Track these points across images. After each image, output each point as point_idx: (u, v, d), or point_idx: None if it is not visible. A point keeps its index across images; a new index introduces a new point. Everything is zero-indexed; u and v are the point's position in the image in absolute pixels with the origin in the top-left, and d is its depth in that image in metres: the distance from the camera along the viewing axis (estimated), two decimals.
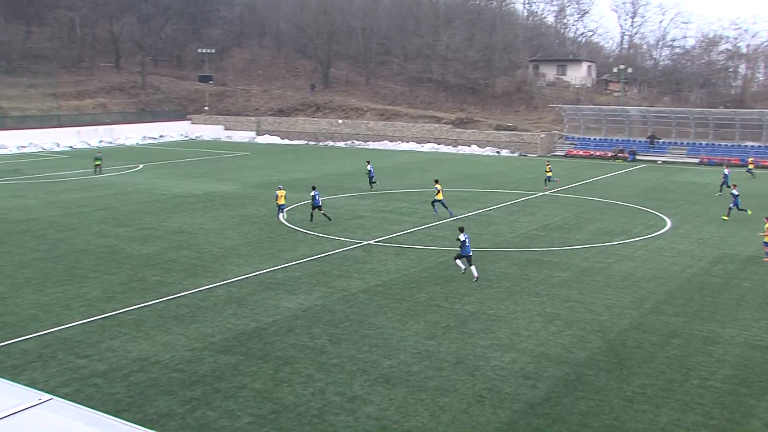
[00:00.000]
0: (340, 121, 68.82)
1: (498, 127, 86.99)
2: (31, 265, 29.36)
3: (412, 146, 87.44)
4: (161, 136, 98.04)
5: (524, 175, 60.84)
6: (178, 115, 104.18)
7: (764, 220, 33.07)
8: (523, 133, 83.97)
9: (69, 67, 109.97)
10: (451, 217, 39.87)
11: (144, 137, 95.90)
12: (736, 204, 41.03)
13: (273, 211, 41.31)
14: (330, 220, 38.46)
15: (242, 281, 27.02)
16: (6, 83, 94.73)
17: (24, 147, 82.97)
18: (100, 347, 19.94)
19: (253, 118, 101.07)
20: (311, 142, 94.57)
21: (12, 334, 21.08)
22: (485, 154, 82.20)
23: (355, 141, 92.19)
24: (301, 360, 19.08)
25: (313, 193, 38.84)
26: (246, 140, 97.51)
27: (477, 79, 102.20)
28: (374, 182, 51.63)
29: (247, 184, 53.35)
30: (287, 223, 38.17)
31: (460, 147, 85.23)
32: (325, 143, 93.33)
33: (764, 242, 31.55)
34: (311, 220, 38.61)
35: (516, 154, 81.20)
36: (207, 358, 19.19)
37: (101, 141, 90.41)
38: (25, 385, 5.34)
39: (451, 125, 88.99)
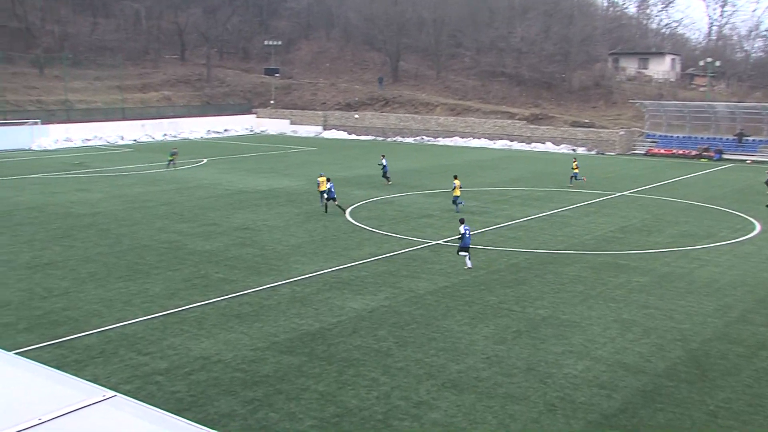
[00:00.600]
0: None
1: (574, 124, 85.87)
2: (95, 260, 30.14)
3: (483, 143, 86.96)
4: (226, 130, 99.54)
5: (602, 175, 59.94)
6: (243, 108, 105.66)
7: None
8: (600, 130, 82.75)
9: (134, 60, 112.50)
10: (457, 212, 40.47)
11: (208, 131, 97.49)
12: None
13: (339, 210, 41.58)
14: (343, 211, 40.71)
15: (306, 280, 27.24)
16: (72, 75, 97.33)
17: (89, 140, 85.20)
18: (162, 344, 20.36)
19: (320, 113, 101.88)
20: (379, 138, 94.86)
21: (75, 329, 21.68)
22: (560, 151, 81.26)
23: (424, 137, 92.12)
24: (365, 362, 19.15)
25: (329, 185, 40.57)
26: (312, 135, 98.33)
27: (553, 73, 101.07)
28: (387, 176, 52.47)
29: (312, 180, 53.74)
30: (354, 221, 38.36)
31: (534, 144, 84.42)
32: (394, 139, 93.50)
33: None
34: (325, 212, 40.54)
35: (593, 152, 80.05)
36: (270, 358, 19.41)
37: (165, 135, 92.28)
38: (88, 380, 5.47)
39: (524, 121, 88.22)
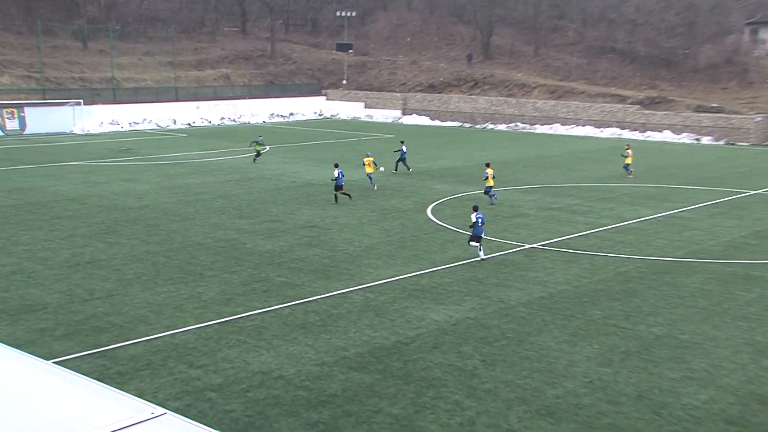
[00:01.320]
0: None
1: (699, 109, 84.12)
2: (142, 259, 30.81)
3: (588, 131, 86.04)
4: (291, 114, 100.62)
5: (731, 169, 58.63)
6: (312, 89, 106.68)
7: None
8: (731, 116, 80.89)
9: (189, 32, 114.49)
10: (492, 205, 41.89)
11: (272, 115, 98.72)
12: None
13: (419, 206, 41.65)
14: (350, 198, 42.60)
15: (381, 286, 27.38)
16: (119, 50, 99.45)
17: (137, 123, 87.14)
18: (216, 357, 20.68)
19: (399, 95, 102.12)
20: (466, 124, 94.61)
21: (119, 336, 22.18)
22: (681, 141, 79.76)
23: (519, 124, 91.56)
24: (447, 383, 19.12)
25: (337, 172, 42.13)
26: (389, 120, 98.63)
27: (674, 48, 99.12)
28: (400, 163, 54.74)
29: (389, 172, 53.90)
30: (436, 220, 38.35)
31: (648, 133, 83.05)
32: (484, 126, 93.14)
33: None
34: (336, 202, 42.14)
35: (721, 143, 78.32)
36: (338, 375, 19.54)
37: (222, 118, 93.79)
38: (133, 395, 5.57)
39: (638, 106, 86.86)
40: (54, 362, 20.28)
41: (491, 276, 28.83)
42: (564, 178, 52.88)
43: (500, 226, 37.31)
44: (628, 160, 53.29)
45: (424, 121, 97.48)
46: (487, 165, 44.55)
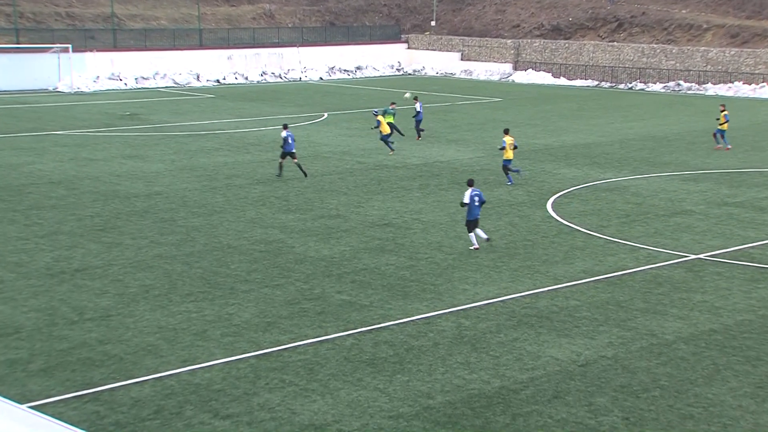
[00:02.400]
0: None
1: None
2: (152, 267, 31.11)
3: None
4: (359, 69, 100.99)
5: None
6: (388, 34, 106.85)
7: None
8: None
9: None
10: (509, 183, 44.66)
11: (332, 69, 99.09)
12: None
13: (536, 199, 41.47)
14: (305, 176, 43.94)
15: (481, 309, 27.23)
16: None
17: (146, 79, 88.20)
18: (252, 403, 20.72)
19: (509, 42, 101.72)
20: (605, 84, 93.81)
21: (119, 372, 22.38)
22: None
23: (682, 82, 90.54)
24: None
25: (284, 134, 43.89)
26: (496, 78, 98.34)
27: None
28: (422, 129, 58.22)
29: (494, 151, 53.61)
30: (559, 218, 38.14)
31: None
32: (631, 85, 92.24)
33: None
34: (279, 175, 44.17)
35: None
36: None
37: (264, 73, 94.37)
38: None
39: None
40: (29, 407, 20.57)
41: (637, 298, 28.50)
42: (747, 160, 52.14)
43: (651, 227, 36.92)
44: (723, 125, 54.19)
45: (544, 78, 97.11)
46: (506, 132, 45.91)
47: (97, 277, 29.86)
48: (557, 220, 37.93)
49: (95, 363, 22.92)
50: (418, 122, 57.69)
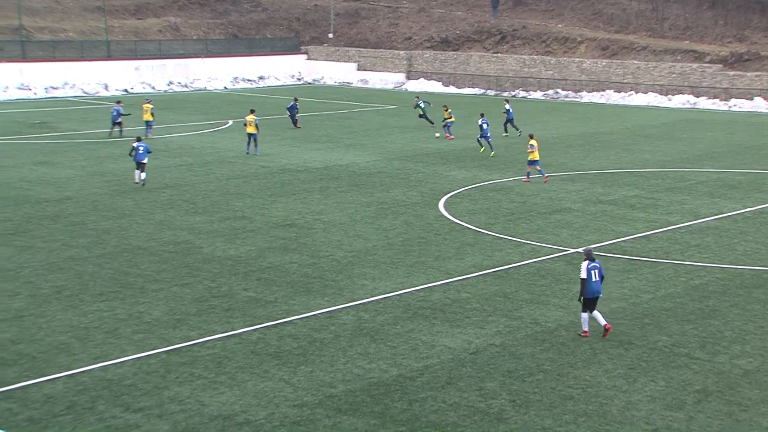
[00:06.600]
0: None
1: None
2: (63, 268, 30.58)
3: (651, 99, 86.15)
4: (261, 78, 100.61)
5: None
6: (288, 46, 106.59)
7: None
8: None
9: None
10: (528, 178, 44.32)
11: (235, 78, 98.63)
12: None
13: (429, 199, 41.50)
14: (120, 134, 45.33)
15: (379, 303, 27.24)
16: None
17: (55, 89, 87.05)
18: (162, 396, 20.49)
19: (402, 53, 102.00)
20: (490, 92, 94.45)
21: (32, 371, 21.97)
22: None
23: (559, 90, 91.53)
24: (466, 429, 18.99)
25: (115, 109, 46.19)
26: (390, 86, 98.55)
27: None
28: (425, 117, 64.98)
29: (390, 155, 53.76)
30: (450, 217, 38.20)
31: (734, 101, 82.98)
32: (513, 93, 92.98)
33: None
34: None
35: None
36: (322, 419, 19.40)
37: (170, 83, 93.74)
38: None
39: (720, 65, 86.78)
40: None
41: (522, 290, 28.69)
42: (619, 161, 52.77)
43: (534, 224, 37.15)
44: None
45: (434, 87, 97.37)
46: (531, 136, 45.64)
47: (10, 279, 29.35)
48: (449, 219, 38.00)
49: (8, 362, 22.53)
50: (424, 113, 65.60)
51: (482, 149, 54.61)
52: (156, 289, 28.42)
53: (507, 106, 62.91)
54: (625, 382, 21.63)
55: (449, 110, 61.74)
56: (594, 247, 33.22)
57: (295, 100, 66.63)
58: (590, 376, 21.98)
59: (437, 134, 60.59)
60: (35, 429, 18.75)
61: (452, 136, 60.50)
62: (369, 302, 27.32)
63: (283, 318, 25.82)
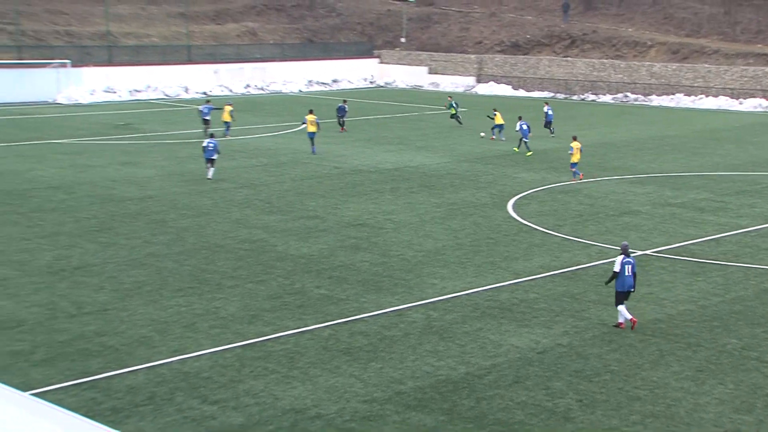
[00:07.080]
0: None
1: None
2: (144, 264, 31.11)
3: (723, 103, 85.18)
4: (335, 81, 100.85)
5: None
6: (361, 50, 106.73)
7: None
8: None
9: None
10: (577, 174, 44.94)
11: (309, 82, 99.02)
12: None
13: (498, 201, 41.60)
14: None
15: (448, 302, 27.37)
16: None
17: (139, 91, 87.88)
18: (237, 389, 20.84)
19: (473, 57, 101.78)
20: (560, 95, 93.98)
21: (114, 363, 22.44)
22: None
23: (629, 94, 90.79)
24: (532, 428, 19.06)
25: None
26: (460, 89, 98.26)
27: None
28: (456, 117, 67.64)
29: (460, 157, 53.80)
30: (519, 218, 38.23)
31: None
32: (582, 97, 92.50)
33: None
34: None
35: None
36: (391, 415, 19.59)
37: (248, 86, 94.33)
38: None
39: None
40: (32, 394, 20.58)
41: (590, 291, 28.65)
42: (688, 165, 52.36)
43: (602, 226, 37.08)
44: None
45: (504, 90, 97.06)
46: (574, 138, 46.78)
47: (95, 274, 29.86)
48: (517, 220, 38.02)
49: (93, 353, 22.99)
50: (456, 113, 68.82)
51: (516, 149, 56.02)
52: (232, 285, 28.81)
53: (546, 109, 64.50)
54: (693, 384, 21.57)
55: (498, 113, 62.30)
56: (662, 249, 33.39)
57: (344, 101, 66.95)
58: (657, 377, 21.94)
59: (482, 134, 61.86)
60: (118, 418, 19.14)
61: (495, 138, 61.42)
62: (438, 301, 27.46)
63: (354, 315, 26.05)
